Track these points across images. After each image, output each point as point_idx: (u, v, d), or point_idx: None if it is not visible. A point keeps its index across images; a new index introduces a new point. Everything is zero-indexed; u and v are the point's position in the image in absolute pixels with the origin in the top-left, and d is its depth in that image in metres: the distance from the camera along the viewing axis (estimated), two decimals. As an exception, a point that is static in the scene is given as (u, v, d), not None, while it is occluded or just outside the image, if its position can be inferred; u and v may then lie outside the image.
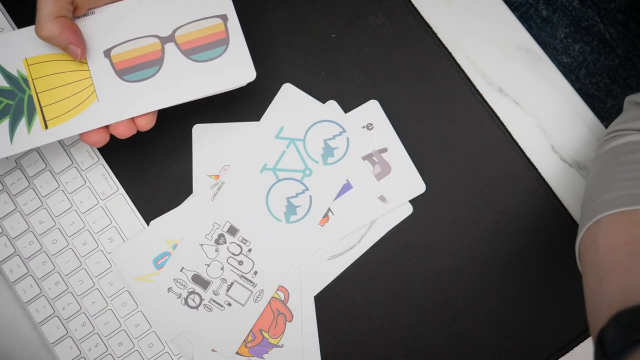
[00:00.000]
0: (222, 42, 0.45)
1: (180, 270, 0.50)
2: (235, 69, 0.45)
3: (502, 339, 0.50)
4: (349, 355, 0.50)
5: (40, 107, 0.44)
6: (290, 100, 0.51)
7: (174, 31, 0.45)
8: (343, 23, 0.52)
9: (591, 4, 0.65)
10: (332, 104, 0.51)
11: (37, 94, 0.44)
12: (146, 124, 0.44)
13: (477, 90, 0.51)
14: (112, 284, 0.50)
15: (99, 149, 0.51)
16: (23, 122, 0.44)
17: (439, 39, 0.52)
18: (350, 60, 0.52)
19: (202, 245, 0.50)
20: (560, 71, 0.52)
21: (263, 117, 0.51)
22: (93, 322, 0.50)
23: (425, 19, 0.52)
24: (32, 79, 0.44)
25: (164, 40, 0.45)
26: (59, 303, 0.50)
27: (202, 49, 0.45)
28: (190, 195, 0.50)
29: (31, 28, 0.43)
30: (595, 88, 0.65)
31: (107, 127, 0.44)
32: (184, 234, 0.50)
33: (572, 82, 0.65)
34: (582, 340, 0.49)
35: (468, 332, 0.50)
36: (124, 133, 0.44)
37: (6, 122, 0.44)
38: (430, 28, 0.52)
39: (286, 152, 0.51)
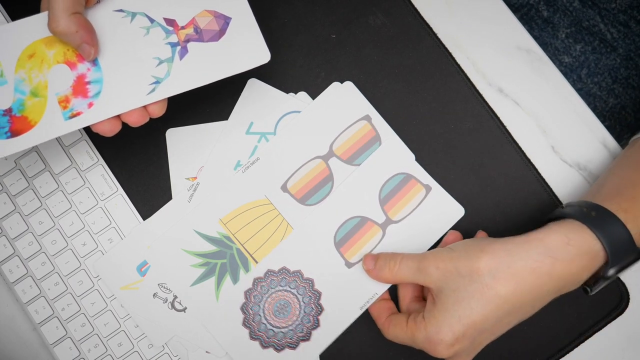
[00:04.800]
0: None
1: (164, 275, 0.49)
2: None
3: (502, 339, 0.50)
4: (348, 356, 0.50)
5: (250, 255, 0.49)
6: (257, 95, 0.51)
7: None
8: (343, 23, 0.52)
9: (592, 4, 0.65)
10: (302, 95, 0.51)
11: (242, 245, 0.49)
12: (158, 111, 0.42)
13: (477, 90, 0.51)
14: (112, 284, 0.50)
15: (98, 150, 0.51)
16: (242, 273, 0.49)
17: (439, 39, 0.52)
18: (350, 60, 0.52)
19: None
20: (562, 71, 0.52)
21: (232, 114, 0.51)
22: (92, 323, 0.50)
23: (425, 19, 0.52)
24: (233, 235, 0.49)
25: None
26: (59, 304, 0.50)
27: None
28: (170, 201, 0.50)
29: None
30: (597, 87, 0.65)
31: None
32: (164, 238, 0.50)
33: (574, 82, 0.65)
34: (583, 341, 0.49)
35: (468, 333, 0.50)
36: (136, 121, 0.42)
37: (228, 278, 0.49)
38: (430, 28, 0.52)
39: (258, 147, 0.50)
